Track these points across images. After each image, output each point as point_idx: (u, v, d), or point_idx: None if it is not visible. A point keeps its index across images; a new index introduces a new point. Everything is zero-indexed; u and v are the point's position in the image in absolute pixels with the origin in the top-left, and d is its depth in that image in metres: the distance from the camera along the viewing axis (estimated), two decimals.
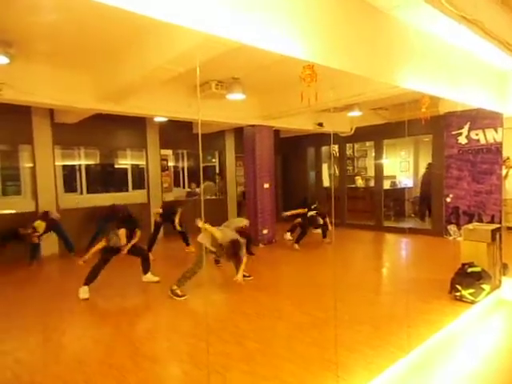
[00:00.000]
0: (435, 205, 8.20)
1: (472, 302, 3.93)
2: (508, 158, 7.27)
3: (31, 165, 7.20)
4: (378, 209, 9.17)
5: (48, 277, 6.17)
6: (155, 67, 4.01)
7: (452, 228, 7.74)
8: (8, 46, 3.94)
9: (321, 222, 7.30)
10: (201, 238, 4.64)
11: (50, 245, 7.03)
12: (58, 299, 4.56)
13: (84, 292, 4.55)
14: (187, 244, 6.97)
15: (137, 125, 8.25)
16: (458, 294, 4.04)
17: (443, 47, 3.27)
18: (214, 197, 10.24)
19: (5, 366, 2.99)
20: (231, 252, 4.53)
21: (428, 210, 9.20)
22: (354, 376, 2.66)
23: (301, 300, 4.37)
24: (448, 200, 7.77)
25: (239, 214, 10.21)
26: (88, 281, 4.57)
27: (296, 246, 7.10)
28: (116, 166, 9.45)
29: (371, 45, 2.62)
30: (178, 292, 4.46)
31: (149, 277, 5.17)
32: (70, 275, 5.94)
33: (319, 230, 7.53)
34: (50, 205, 7.20)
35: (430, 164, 9.32)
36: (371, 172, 10.26)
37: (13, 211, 6.98)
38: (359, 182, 10.84)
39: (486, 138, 7.20)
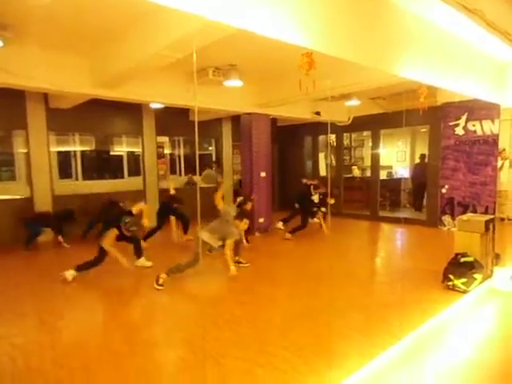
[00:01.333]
0: (430, 195, 8.25)
1: (464, 292, 3.99)
2: (504, 150, 7.29)
3: (25, 150, 7.14)
4: (373, 199, 9.21)
5: (43, 262, 6.16)
6: (152, 53, 3.95)
7: (446, 218, 7.80)
8: (3, 29, 3.86)
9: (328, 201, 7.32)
10: (206, 236, 4.59)
11: (45, 232, 7.01)
12: (53, 285, 4.57)
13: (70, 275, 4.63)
14: (185, 232, 6.99)
15: (133, 111, 8.17)
16: (450, 283, 4.09)
17: (442, 37, 3.25)
18: (210, 185, 10.21)
19: (0, 351, 3.01)
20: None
21: (421, 200, 9.26)
22: (347, 362, 2.71)
23: (296, 288, 4.41)
24: (443, 191, 7.81)
25: (235, 203, 10.20)
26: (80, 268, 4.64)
27: (288, 235, 6.99)
28: (111, 153, 9.37)
29: (371, 33, 2.59)
30: (160, 280, 4.35)
31: (142, 261, 5.24)
32: (65, 261, 5.94)
33: (316, 219, 7.51)
34: (44, 191, 7.16)
35: (422, 155, 9.35)
36: (368, 162, 10.27)
37: (7, 197, 6.94)
38: (356, 172, 10.87)
39: (482, 130, 7.21)
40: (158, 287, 4.34)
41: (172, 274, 4.44)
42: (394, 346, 2.88)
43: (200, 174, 10.09)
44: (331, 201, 7.80)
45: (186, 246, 6.41)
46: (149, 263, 5.25)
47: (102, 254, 4.66)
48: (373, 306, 3.85)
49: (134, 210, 4.87)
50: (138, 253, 5.26)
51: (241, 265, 5.18)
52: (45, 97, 7.04)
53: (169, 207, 6.75)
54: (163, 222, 6.76)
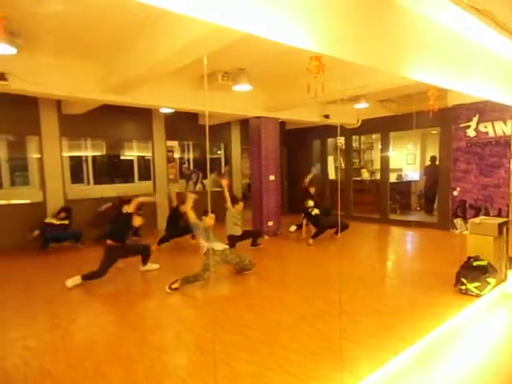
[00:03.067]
0: (442, 198, 8.15)
1: (477, 296, 3.92)
2: None
3: (39, 155, 7.26)
4: (383, 202, 9.14)
5: (56, 265, 6.25)
6: (162, 58, 4.00)
7: (458, 221, 7.69)
8: (16, 36, 3.94)
9: (330, 219, 7.00)
10: (218, 245, 4.71)
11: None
12: (64, 288, 4.62)
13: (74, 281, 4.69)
14: (193, 236, 7.06)
15: (143, 116, 8.27)
16: (463, 287, 4.03)
17: (452, 37, 3.22)
18: (219, 189, 10.25)
19: (13, 353, 3.06)
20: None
21: (432, 203, 9.16)
22: (358, 367, 2.68)
23: (305, 292, 4.39)
24: (455, 193, 7.71)
25: (245, 206, 10.21)
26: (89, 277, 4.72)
27: (310, 240, 6.83)
28: (122, 157, 9.50)
29: (380, 35, 2.59)
30: (173, 285, 4.40)
31: (147, 266, 5.28)
32: (77, 264, 6.01)
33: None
34: (57, 195, 7.27)
35: (433, 157, 9.26)
36: (377, 165, 10.21)
37: (21, 201, 7.07)
38: (365, 175, 10.80)
39: (494, 131, 7.12)
40: (169, 290, 4.37)
41: (184, 284, 4.46)
42: (406, 351, 2.85)
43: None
44: (314, 210, 7.11)
45: (196, 250, 6.43)
46: (156, 265, 5.31)
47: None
48: (384, 309, 3.81)
49: (130, 208, 4.93)
50: (145, 259, 5.28)
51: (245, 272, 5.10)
52: (57, 103, 7.17)
53: (177, 216, 6.82)
54: (174, 229, 6.81)
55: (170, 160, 9.38)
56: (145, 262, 5.25)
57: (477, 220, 4.52)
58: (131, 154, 9.39)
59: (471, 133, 7.43)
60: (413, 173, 10.95)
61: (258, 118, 7.53)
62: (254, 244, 6.56)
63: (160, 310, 4.07)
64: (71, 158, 8.28)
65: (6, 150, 7.54)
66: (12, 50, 4.01)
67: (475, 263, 4.08)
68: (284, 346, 3.04)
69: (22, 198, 7.13)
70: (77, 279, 4.68)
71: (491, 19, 2.85)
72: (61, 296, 4.41)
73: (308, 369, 2.70)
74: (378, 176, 9.93)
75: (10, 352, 3.10)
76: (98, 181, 8.69)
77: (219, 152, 11.03)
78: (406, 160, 11.29)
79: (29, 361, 2.93)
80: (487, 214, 7.12)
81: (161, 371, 2.75)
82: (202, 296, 4.40)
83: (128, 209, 4.96)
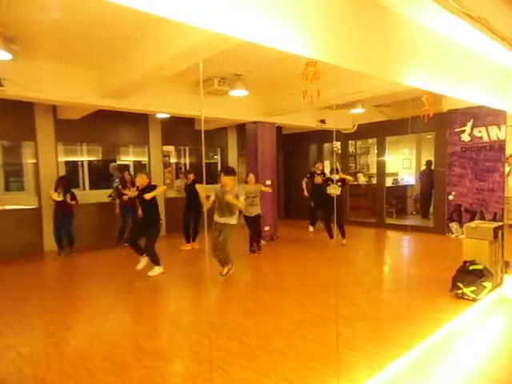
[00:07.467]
0: (437, 202, 8.18)
1: (473, 300, 3.93)
2: (511, 156, 7.23)
3: (34, 161, 7.22)
4: (379, 206, 9.16)
5: (50, 272, 6.20)
6: (158, 64, 4.01)
7: (454, 226, 7.73)
8: (11, 42, 3.94)
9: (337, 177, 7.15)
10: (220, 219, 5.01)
11: (51, 241, 7.06)
12: (59, 295, 4.59)
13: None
14: (193, 239, 6.96)
15: (139, 121, 8.26)
16: (459, 291, 4.04)
17: (446, 44, 3.26)
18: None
19: (7, 360, 3.02)
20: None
21: (428, 207, 9.20)
22: (354, 373, 2.67)
23: (302, 297, 4.38)
24: (450, 198, 7.75)
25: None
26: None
27: (311, 228, 7.46)
28: (118, 162, 9.45)
29: (375, 42, 2.61)
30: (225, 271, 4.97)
31: (157, 270, 5.26)
32: (71, 270, 5.97)
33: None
34: (52, 201, 7.22)
35: (428, 162, 9.31)
36: (373, 169, 10.24)
37: (16, 207, 7.01)
38: (361, 179, 10.83)
39: (489, 136, 7.18)
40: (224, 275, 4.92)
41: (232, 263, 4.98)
42: (403, 357, 2.84)
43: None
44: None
45: (191, 257, 6.41)
46: (160, 269, 5.26)
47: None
48: (381, 315, 3.81)
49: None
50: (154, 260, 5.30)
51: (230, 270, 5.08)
52: (53, 108, 7.15)
53: (194, 190, 6.65)
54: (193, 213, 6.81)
55: (166, 165, 9.36)
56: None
57: (472, 224, 4.55)
58: (127, 158, 9.34)
59: (466, 137, 7.49)
60: (409, 177, 10.99)
61: (255, 122, 7.55)
62: (252, 249, 6.56)
63: (156, 316, 4.04)
64: (67, 163, 8.21)
65: (1, 156, 7.47)
66: (7, 56, 4.01)
67: (471, 267, 4.10)
68: (281, 352, 3.03)
69: (16, 203, 7.06)
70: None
71: (486, 26, 2.88)
72: (56, 304, 4.37)
73: (305, 375, 2.68)
74: (374, 180, 9.96)
75: (3, 359, 3.06)
76: (93, 186, 8.64)
77: (216, 157, 11.01)
78: (402, 164, 11.34)
79: (22, 368, 2.89)
80: (482, 218, 7.15)
81: (156, 379, 2.72)
82: (198, 301, 4.38)
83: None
